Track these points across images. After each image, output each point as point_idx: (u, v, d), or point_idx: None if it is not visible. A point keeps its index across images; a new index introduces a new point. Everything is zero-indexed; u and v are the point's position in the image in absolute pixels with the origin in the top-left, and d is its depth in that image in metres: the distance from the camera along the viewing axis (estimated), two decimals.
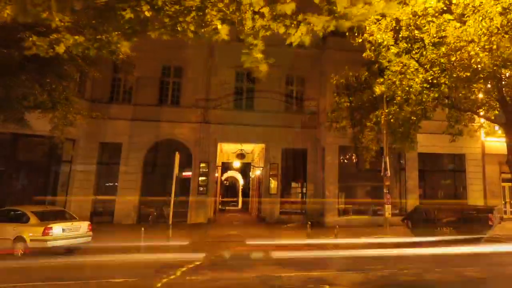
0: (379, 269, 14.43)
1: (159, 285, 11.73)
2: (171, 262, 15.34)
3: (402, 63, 20.97)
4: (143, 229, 18.85)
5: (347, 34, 21.53)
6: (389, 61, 21.40)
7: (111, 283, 12.52)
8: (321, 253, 18.24)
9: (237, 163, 41.07)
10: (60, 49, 8.23)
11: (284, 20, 8.50)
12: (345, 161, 29.85)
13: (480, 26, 18.45)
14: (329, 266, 15.32)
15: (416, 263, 15.94)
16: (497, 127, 27.08)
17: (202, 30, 8.74)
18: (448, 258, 17.05)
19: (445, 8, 19.63)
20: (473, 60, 18.67)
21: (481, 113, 24.80)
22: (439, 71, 19.95)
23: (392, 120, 22.47)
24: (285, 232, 25.41)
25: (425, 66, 20.47)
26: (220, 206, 44.09)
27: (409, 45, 20.76)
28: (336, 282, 12.53)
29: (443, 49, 19.60)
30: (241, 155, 36.19)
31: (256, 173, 37.59)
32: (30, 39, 8.52)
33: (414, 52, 20.72)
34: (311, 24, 8.38)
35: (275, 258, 16.86)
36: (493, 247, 19.16)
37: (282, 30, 8.57)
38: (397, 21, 20.65)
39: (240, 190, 55.56)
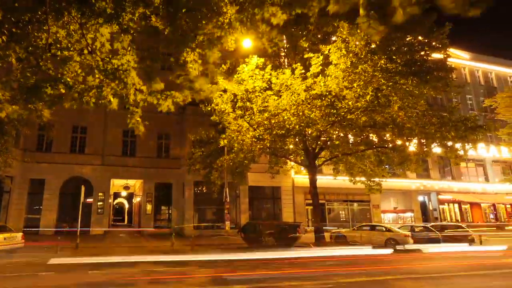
0: (224, 265, 14.82)
1: None
2: None
3: (238, 124, 21.80)
4: (59, 237, 20.51)
5: (200, 104, 22.22)
6: (229, 123, 22.19)
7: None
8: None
9: (124, 193, 41.75)
10: (2, 114, 8.60)
11: (157, 95, 9.08)
12: (199, 191, 30.41)
13: (291, 99, 19.62)
14: (188, 265, 15.43)
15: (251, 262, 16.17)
16: (302, 168, 28.46)
17: (100, 101, 9.06)
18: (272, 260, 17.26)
19: (267, 87, 20.42)
20: (286, 122, 19.93)
21: (292, 158, 26.04)
22: (263, 130, 20.74)
23: (231, 164, 23.03)
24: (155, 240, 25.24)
25: (254, 127, 21.20)
26: (112, 222, 43.76)
27: (243, 112, 21.43)
28: (193, 274, 12.74)
29: (266, 114, 20.45)
30: (126, 187, 37.26)
31: (137, 199, 37.84)
32: None
33: (246, 117, 21.44)
34: (175, 97, 9.10)
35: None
36: (301, 253, 19.68)
37: (155, 101, 9.11)
38: (235, 95, 21.23)
39: (126, 211, 56.73)
